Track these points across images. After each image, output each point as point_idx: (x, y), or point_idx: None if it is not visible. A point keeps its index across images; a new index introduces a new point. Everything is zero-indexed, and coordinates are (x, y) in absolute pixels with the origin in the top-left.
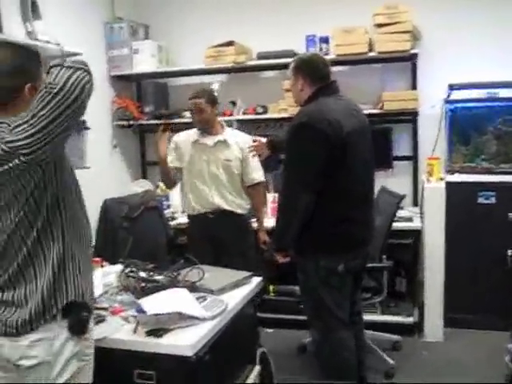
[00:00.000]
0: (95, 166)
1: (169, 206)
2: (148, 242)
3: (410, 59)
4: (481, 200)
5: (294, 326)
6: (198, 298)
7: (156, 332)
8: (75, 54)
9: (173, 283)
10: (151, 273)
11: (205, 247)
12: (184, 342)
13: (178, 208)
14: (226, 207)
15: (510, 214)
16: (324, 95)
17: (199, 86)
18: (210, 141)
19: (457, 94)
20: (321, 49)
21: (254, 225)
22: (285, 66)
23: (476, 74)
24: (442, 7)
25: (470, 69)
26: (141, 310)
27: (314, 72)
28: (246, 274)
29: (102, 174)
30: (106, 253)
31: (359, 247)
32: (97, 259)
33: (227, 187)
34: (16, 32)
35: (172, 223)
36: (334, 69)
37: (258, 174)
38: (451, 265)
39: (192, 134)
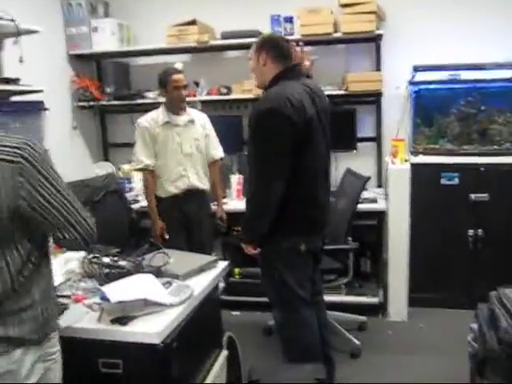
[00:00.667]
0: (55, 148)
1: (131, 189)
2: (110, 226)
3: (375, 40)
4: (444, 181)
5: (259, 308)
6: (163, 284)
7: (121, 320)
8: (32, 32)
9: (137, 269)
10: (115, 258)
11: (178, 227)
12: (151, 329)
13: (140, 191)
14: (200, 186)
15: (471, 195)
16: (287, 78)
17: (161, 66)
18: (180, 121)
19: (421, 76)
20: (285, 29)
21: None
22: (249, 46)
23: (440, 55)
24: None
25: (435, 50)
26: (105, 298)
27: (276, 48)
28: (211, 258)
29: (62, 157)
30: None
31: (320, 228)
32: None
33: (200, 166)
34: None
35: (134, 206)
36: (298, 49)
37: (219, 150)
38: (415, 245)
39: (158, 115)
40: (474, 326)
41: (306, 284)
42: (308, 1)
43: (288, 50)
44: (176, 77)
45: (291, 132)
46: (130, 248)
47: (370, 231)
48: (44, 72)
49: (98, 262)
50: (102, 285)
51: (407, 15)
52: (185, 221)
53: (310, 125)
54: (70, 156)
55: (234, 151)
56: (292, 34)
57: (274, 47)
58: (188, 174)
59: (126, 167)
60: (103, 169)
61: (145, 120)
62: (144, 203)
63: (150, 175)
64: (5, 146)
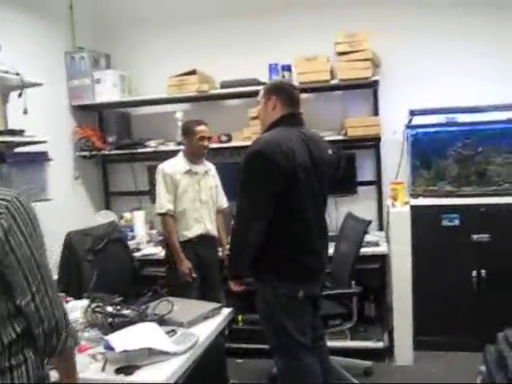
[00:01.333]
0: (57, 198)
1: (133, 237)
2: (113, 275)
3: (371, 86)
4: (445, 223)
5: (263, 355)
6: (167, 332)
7: (126, 369)
8: (36, 85)
9: (141, 317)
10: (118, 307)
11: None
12: (155, 379)
13: (142, 239)
14: (213, 232)
15: (473, 235)
16: (286, 124)
17: (162, 116)
18: (199, 169)
19: (417, 120)
20: (283, 77)
21: None
22: (248, 95)
23: (436, 98)
24: (400, 35)
25: (431, 93)
26: (109, 347)
27: (286, 93)
28: (215, 305)
29: (64, 206)
30: (71, 287)
31: (317, 275)
32: (60, 295)
33: (212, 213)
34: None
35: (137, 254)
36: None
37: (225, 199)
38: (419, 288)
39: (179, 162)
40: (483, 368)
41: (307, 330)
42: (305, 49)
43: (297, 96)
44: (201, 128)
45: (276, 175)
46: (132, 296)
47: (373, 275)
48: (47, 123)
49: (101, 312)
50: (105, 334)
51: (402, 60)
52: (199, 265)
53: (298, 171)
54: (72, 205)
55: (234, 198)
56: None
57: (284, 92)
58: (204, 220)
59: (128, 215)
60: (105, 217)
61: (167, 166)
62: (146, 251)
63: (172, 219)
64: None
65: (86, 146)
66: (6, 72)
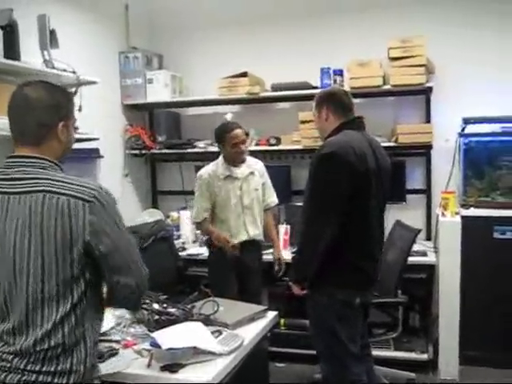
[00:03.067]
0: None
1: (179, 237)
2: (158, 273)
3: (424, 92)
4: (496, 235)
5: (305, 360)
6: (213, 332)
7: (171, 367)
8: (91, 83)
9: (187, 316)
10: (164, 305)
11: (233, 276)
12: (201, 378)
13: (188, 238)
14: (257, 237)
15: None
16: (349, 128)
17: (212, 117)
18: (241, 172)
19: (471, 128)
20: (335, 81)
21: None
22: (299, 98)
23: (489, 107)
24: (455, 40)
25: (484, 102)
26: (155, 344)
27: (337, 102)
28: (261, 307)
29: None
30: None
31: (372, 282)
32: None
33: (258, 215)
34: (33, 60)
35: (182, 254)
36: None
37: (274, 197)
38: (467, 300)
39: (218, 168)
40: None
41: (357, 339)
42: (357, 54)
43: (348, 103)
44: (234, 133)
45: (350, 178)
46: (176, 295)
47: (419, 285)
48: (99, 121)
49: (147, 309)
50: (151, 331)
51: (455, 67)
52: (240, 270)
53: (369, 176)
54: (120, 202)
55: (282, 202)
56: (342, 87)
57: (335, 101)
58: (247, 227)
59: (174, 214)
60: (152, 216)
61: (206, 173)
62: (191, 251)
63: (208, 222)
64: (81, 186)
65: (135, 145)
66: (64, 70)
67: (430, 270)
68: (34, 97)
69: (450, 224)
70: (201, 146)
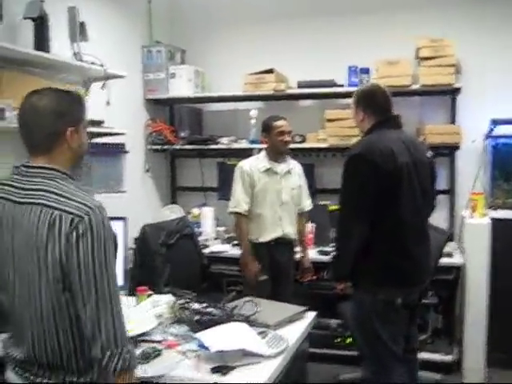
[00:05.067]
0: (128, 190)
1: (201, 234)
2: (184, 270)
3: (451, 93)
4: None
5: (328, 360)
6: (258, 334)
7: (221, 369)
8: (117, 77)
9: (229, 317)
10: (204, 304)
11: (267, 275)
12: (253, 381)
13: (210, 235)
14: (292, 235)
15: None
16: (383, 127)
17: (234, 113)
18: (281, 168)
19: (499, 130)
20: (361, 80)
21: None
22: (325, 96)
23: None
24: (483, 41)
25: (511, 104)
26: (203, 346)
27: (372, 103)
28: (300, 308)
29: (134, 199)
30: (144, 280)
31: (417, 282)
32: (142, 288)
33: (293, 215)
34: (63, 52)
35: (205, 251)
36: None
37: (309, 201)
38: (495, 302)
39: (259, 161)
40: None
41: (400, 339)
42: (383, 53)
43: (384, 102)
44: (280, 123)
45: (376, 177)
46: (201, 293)
47: (444, 286)
48: (121, 115)
49: (188, 308)
50: (193, 331)
51: (483, 68)
52: (274, 269)
53: (400, 172)
54: (141, 198)
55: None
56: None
57: (370, 102)
58: (283, 223)
59: (195, 211)
60: (172, 212)
61: (247, 164)
62: (214, 248)
63: (245, 219)
64: (74, 201)
65: (158, 140)
66: (92, 63)
67: (457, 271)
68: (39, 105)
69: (478, 226)
70: (224, 142)
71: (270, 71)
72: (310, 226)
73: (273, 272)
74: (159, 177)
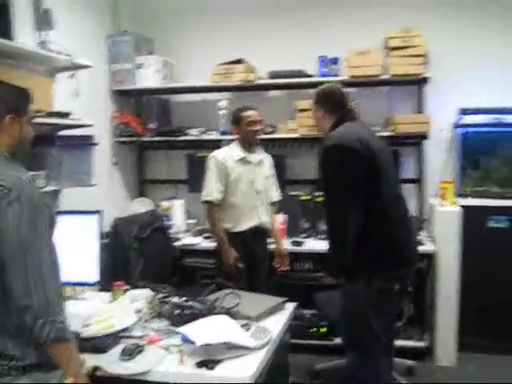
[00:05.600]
0: (96, 183)
1: (171, 227)
2: (156, 264)
3: (420, 82)
4: (492, 224)
5: (303, 350)
6: (242, 326)
7: (207, 363)
8: (83, 67)
9: (210, 310)
10: (184, 298)
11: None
12: (240, 374)
13: (180, 228)
14: (267, 225)
15: None
16: (347, 120)
17: (203, 104)
18: (254, 158)
19: (468, 119)
20: (332, 70)
21: None
22: (295, 86)
23: (484, 99)
24: (450, 31)
25: (479, 94)
26: (187, 340)
27: (330, 101)
28: (279, 299)
29: (101, 192)
30: (117, 274)
31: (410, 264)
32: (119, 283)
33: (267, 205)
34: (28, 41)
35: (176, 244)
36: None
37: (279, 192)
38: (464, 288)
39: (233, 150)
40: None
41: (390, 329)
42: (352, 43)
43: (342, 100)
44: (249, 113)
45: (360, 163)
46: (174, 286)
47: (416, 274)
48: (87, 107)
49: (168, 302)
50: (175, 325)
51: (450, 58)
52: (249, 259)
53: (377, 159)
54: (109, 191)
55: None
56: (337, 75)
57: (328, 101)
58: (259, 212)
59: (165, 204)
60: (143, 205)
61: (220, 154)
62: (185, 241)
63: (217, 208)
64: (4, 175)
65: (125, 132)
66: (59, 53)
67: (428, 259)
68: None
69: (448, 213)
70: (194, 133)
71: (238, 61)
72: (281, 217)
73: (248, 262)
74: (127, 170)
